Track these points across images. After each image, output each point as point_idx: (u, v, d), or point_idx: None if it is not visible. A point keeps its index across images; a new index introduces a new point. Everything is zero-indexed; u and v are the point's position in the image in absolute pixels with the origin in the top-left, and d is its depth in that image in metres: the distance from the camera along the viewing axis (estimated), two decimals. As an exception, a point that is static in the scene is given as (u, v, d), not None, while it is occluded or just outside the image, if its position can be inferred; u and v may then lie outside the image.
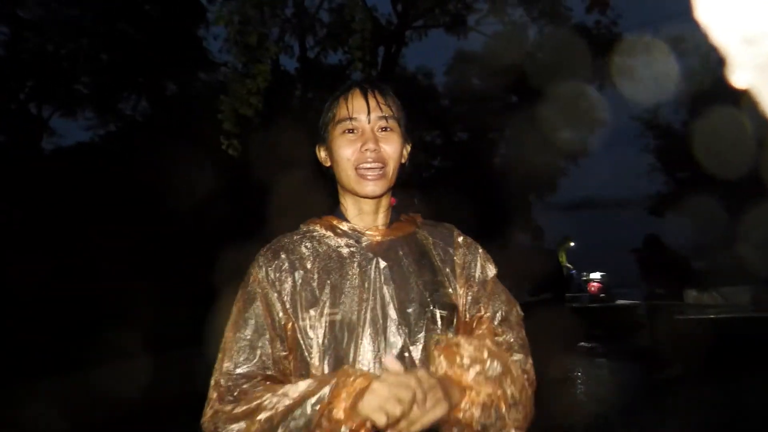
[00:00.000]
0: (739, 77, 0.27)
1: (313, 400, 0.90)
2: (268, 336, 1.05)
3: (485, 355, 1.00)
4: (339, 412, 0.88)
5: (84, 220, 7.16)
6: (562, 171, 18.16)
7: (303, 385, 0.94)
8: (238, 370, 1.02)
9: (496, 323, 1.14)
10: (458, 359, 0.98)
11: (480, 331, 1.12)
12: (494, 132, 16.45)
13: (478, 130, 15.83)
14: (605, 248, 11.87)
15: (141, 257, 6.82)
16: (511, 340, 1.12)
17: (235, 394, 0.99)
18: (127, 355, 4.80)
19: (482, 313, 1.15)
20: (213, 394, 1.01)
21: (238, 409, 0.96)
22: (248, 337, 1.05)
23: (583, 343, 7.06)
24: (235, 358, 1.03)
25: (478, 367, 0.98)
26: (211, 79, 10.78)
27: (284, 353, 1.06)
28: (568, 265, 8.74)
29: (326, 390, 0.90)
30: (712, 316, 6.45)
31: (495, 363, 0.99)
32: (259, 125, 5.00)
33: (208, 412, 0.99)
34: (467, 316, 1.14)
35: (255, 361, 1.03)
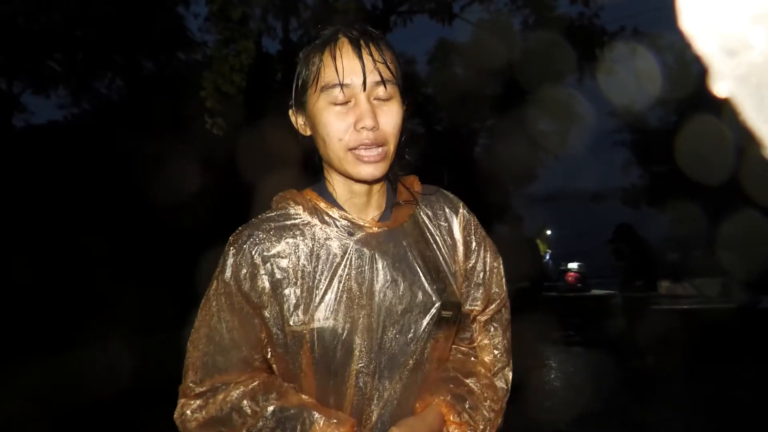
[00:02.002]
0: (720, 87, 0.27)
1: None
2: (234, 354, 0.96)
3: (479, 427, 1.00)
4: None
5: (56, 198, 7.00)
6: (541, 162, 18.37)
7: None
8: (202, 384, 0.96)
9: (491, 320, 1.10)
10: (459, 416, 0.98)
11: (477, 336, 1.09)
12: (476, 122, 16.51)
13: (460, 120, 15.86)
14: (582, 239, 12.07)
15: (114, 238, 6.71)
16: (498, 344, 1.09)
17: (203, 396, 0.96)
18: (105, 342, 4.79)
19: (481, 308, 1.08)
20: (181, 397, 0.98)
21: (203, 415, 0.94)
22: (221, 352, 0.96)
23: (559, 332, 7.19)
24: (202, 374, 0.96)
25: None
26: (190, 59, 10.56)
27: (258, 359, 0.98)
28: (547, 251, 8.87)
29: None
30: (685, 307, 6.63)
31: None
32: (241, 103, 4.91)
33: (176, 413, 0.97)
34: (466, 307, 1.07)
35: (220, 373, 0.96)
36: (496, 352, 1.08)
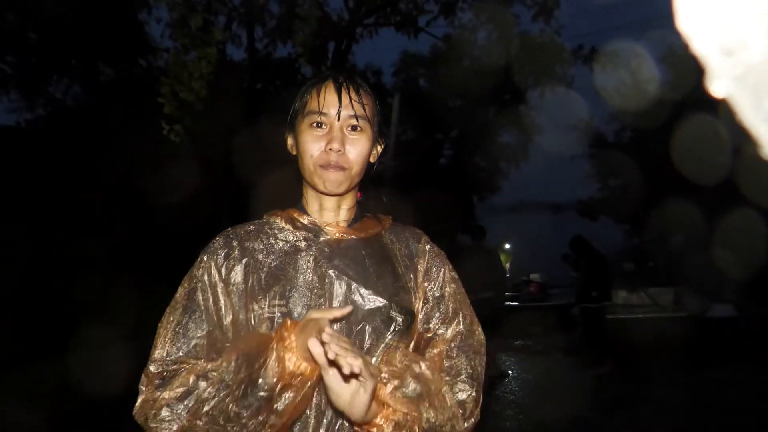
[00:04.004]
0: (717, 87, 0.28)
1: (268, 365, 0.88)
2: (206, 326, 1.00)
3: (406, 373, 0.96)
4: (294, 362, 0.88)
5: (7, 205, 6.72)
6: (503, 173, 18.73)
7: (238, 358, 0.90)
8: (170, 358, 0.96)
9: (452, 345, 1.09)
10: (380, 374, 0.95)
11: (436, 350, 1.08)
12: (440, 133, 16.73)
13: (425, 130, 16.05)
14: (543, 249, 12.34)
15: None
16: (461, 367, 1.07)
17: (165, 378, 0.94)
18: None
19: (441, 331, 1.10)
20: (143, 383, 0.96)
21: (169, 393, 0.91)
22: (185, 325, 0.99)
23: (519, 341, 7.30)
24: (168, 347, 0.97)
25: (395, 382, 0.94)
26: (151, 65, 10.32)
27: (227, 345, 1.00)
28: (507, 263, 9.04)
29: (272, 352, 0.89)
30: (640, 316, 6.85)
31: (413, 384, 0.95)
32: (201, 111, 4.82)
33: (138, 401, 0.94)
34: (424, 329, 1.10)
35: (189, 348, 0.97)
36: (458, 375, 1.06)
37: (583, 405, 4.70)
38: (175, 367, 0.95)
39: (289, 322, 0.92)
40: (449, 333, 1.10)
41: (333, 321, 0.94)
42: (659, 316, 6.83)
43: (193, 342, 0.98)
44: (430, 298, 1.11)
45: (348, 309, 0.92)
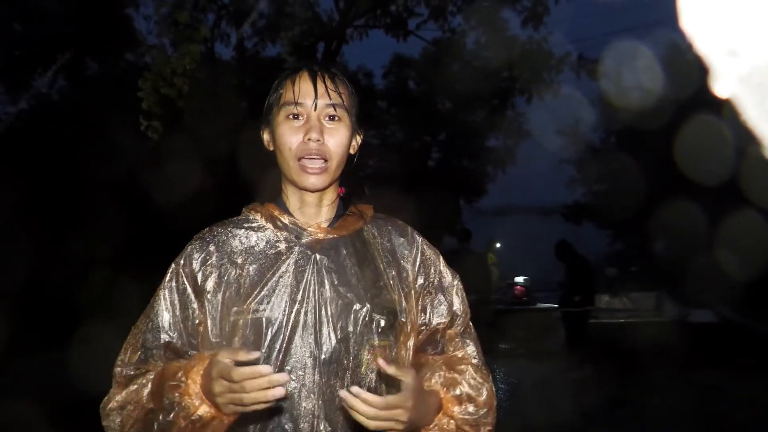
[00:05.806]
0: (722, 88, 0.28)
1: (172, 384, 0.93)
2: (164, 338, 1.02)
3: (480, 399, 1.04)
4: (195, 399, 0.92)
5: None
6: (490, 177, 18.84)
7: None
8: (130, 363, 1.03)
9: (457, 332, 1.12)
10: (458, 390, 1.02)
11: (450, 348, 1.11)
12: (428, 135, 16.80)
13: (414, 132, 16.11)
14: (529, 253, 12.42)
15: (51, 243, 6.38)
16: (475, 356, 1.11)
17: (120, 383, 1.03)
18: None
19: (436, 320, 1.11)
20: (112, 384, 1.04)
21: (120, 398, 1.01)
22: (144, 334, 1.03)
23: (503, 344, 7.34)
24: (130, 353, 1.03)
25: (471, 408, 1.03)
26: (138, 61, 10.21)
27: (191, 351, 1.03)
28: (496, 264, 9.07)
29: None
30: (621, 320, 6.94)
31: (485, 410, 1.05)
32: (182, 108, 4.78)
33: (105, 399, 1.03)
34: (422, 323, 1.11)
35: (146, 357, 1.03)
36: (474, 361, 1.10)
37: (565, 408, 4.74)
38: (132, 372, 1.02)
39: (194, 365, 0.92)
40: (458, 325, 1.12)
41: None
42: (641, 321, 6.93)
43: (152, 352, 1.03)
44: (425, 292, 1.11)
45: (256, 354, 0.85)
